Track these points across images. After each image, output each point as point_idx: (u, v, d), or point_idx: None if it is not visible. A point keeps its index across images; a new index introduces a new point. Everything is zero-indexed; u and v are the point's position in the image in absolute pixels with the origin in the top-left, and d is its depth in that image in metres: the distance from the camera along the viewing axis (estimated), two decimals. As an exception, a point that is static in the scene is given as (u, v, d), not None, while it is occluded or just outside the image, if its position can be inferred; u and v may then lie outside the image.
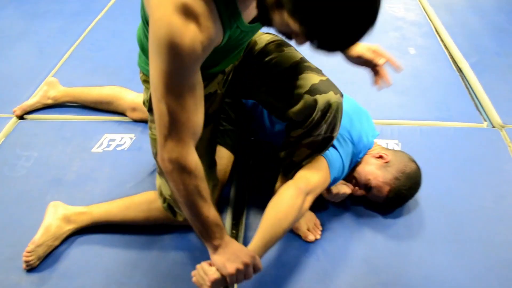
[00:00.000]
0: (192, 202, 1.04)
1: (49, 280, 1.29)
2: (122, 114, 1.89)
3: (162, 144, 0.99)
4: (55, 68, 2.21)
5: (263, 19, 0.93)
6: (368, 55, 1.30)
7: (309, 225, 1.40)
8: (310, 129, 1.25)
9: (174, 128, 0.96)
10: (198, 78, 0.97)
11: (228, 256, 1.08)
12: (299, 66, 1.27)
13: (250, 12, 0.99)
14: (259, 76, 1.31)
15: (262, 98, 1.35)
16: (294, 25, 0.84)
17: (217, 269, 1.08)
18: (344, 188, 1.43)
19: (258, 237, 1.16)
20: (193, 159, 1.01)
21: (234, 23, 0.98)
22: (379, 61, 1.31)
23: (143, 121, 1.84)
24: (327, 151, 1.35)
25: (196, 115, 0.99)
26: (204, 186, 1.04)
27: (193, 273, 1.11)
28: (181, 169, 1.00)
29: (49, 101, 1.94)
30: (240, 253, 1.08)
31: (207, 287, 1.07)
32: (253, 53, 1.32)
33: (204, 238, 1.09)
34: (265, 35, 1.36)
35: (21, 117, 1.91)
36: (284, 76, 1.27)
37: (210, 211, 1.06)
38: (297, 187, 1.25)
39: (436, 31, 2.55)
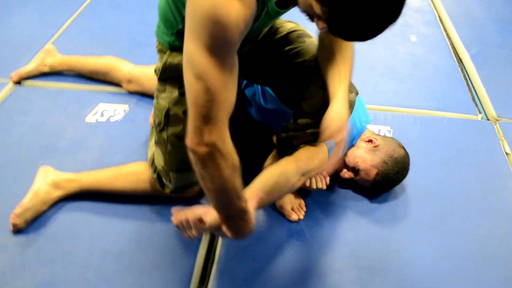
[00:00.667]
0: (224, 191, 0.95)
1: (34, 243, 1.31)
2: (117, 85, 1.90)
3: (199, 127, 0.88)
4: (54, 36, 2.21)
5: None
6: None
7: (294, 205, 1.42)
8: (319, 121, 1.22)
9: (213, 108, 0.87)
10: (236, 56, 0.92)
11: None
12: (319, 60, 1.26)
13: None
14: (277, 63, 1.31)
15: (276, 85, 1.36)
16: (316, 7, 0.83)
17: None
18: (319, 184, 1.43)
19: (257, 186, 1.13)
20: (230, 143, 0.93)
21: (265, 4, 0.97)
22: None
23: (138, 93, 1.84)
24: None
25: (233, 94, 0.92)
26: (238, 174, 0.95)
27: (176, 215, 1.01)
28: (219, 153, 0.90)
29: (46, 69, 1.94)
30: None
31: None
32: (274, 39, 1.32)
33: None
34: (288, 23, 1.36)
35: (18, 83, 1.92)
36: (302, 68, 1.27)
37: (241, 202, 0.98)
38: (298, 165, 1.25)
39: (440, 19, 2.52)
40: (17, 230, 1.33)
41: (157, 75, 1.28)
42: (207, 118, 0.87)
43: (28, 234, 1.33)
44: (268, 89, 1.50)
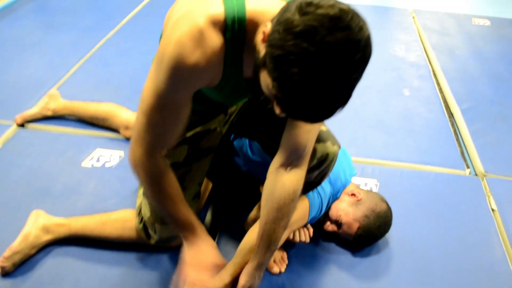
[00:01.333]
0: (158, 201, 1.13)
1: (21, 287, 1.34)
2: (116, 131, 1.97)
3: (134, 148, 1.08)
4: (60, 80, 2.31)
5: (255, 79, 0.92)
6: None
7: (276, 257, 1.44)
8: None
9: (149, 139, 1.05)
10: (187, 101, 1.03)
11: (195, 254, 1.14)
12: None
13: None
14: (264, 121, 1.36)
15: (262, 139, 1.41)
16: (271, 84, 0.82)
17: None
18: (303, 237, 1.46)
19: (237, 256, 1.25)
20: (160, 166, 1.10)
21: (232, 76, 1.03)
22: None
23: (135, 140, 1.91)
24: (309, 192, 1.40)
25: (174, 132, 1.08)
26: (171, 188, 1.12)
27: None
28: (148, 173, 1.10)
29: (49, 113, 2.03)
30: (207, 256, 1.15)
31: None
32: (260, 99, 1.37)
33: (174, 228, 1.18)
34: None
35: (21, 125, 2.01)
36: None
37: (178, 210, 1.13)
38: None
39: (434, 74, 2.59)
40: (5, 273, 1.36)
41: None
42: (142, 145, 1.06)
43: (15, 277, 1.36)
44: (255, 142, 1.55)
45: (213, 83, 1.02)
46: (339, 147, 1.34)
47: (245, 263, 1.23)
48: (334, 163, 1.34)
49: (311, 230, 1.47)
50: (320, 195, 1.44)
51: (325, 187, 1.46)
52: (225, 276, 1.22)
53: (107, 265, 1.42)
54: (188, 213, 1.15)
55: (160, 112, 1.01)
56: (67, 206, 1.61)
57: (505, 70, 2.66)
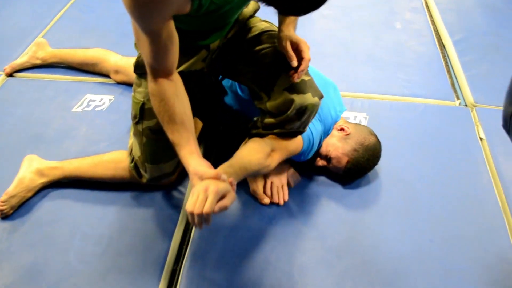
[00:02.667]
0: (164, 123, 1.13)
1: (20, 228, 1.40)
2: (106, 75, 1.96)
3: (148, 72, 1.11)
4: (46, 29, 2.27)
5: None
6: (289, 50, 1.26)
7: (274, 188, 1.48)
8: (282, 123, 1.33)
9: (149, 65, 1.09)
10: (166, 27, 1.02)
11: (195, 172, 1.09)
12: (286, 62, 1.27)
13: None
14: (247, 62, 1.36)
15: (245, 82, 1.42)
16: None
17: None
18: (280, 200, 1.49)
19: (226, 164, 1.23)
20: (165, 90, 1.11)
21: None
22: (292, 63, 1.27)
23: (125, 84, 1.91)
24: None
25: (168, 57, 1.08)
26: (175, 114, 1.11)
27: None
28: (153, 96, 1.12)
29: (38, 61, 2.01)
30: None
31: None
32: (246, 37, 1.37)
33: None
34: (262, 23, 1.41)
35: (10, 75, 2.00)
36: (270, 69, 1.32)
37: (180, 134, 1.12)
38: (266, 142, 1.33)
39: (426, 5, 2.54)
40: (4, 216, 1.41)
41: (134, 70, 1.35)
42: (148, 71, 1.10)
43: (14, 220, 1.42)
44: None
45: (185, 9, 1.01)
46: (321, 97, 1.34)
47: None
48: (315, 114, 1.36)
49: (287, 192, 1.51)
50: (310, 130, 1.45)
51: (316, 124, 1.48)
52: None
53: (103, 205, 1.46)
54: (188, 142, 1.12)
55: (147, 42, 1.04)
56: (60, 150, 1.63)
57: (500, 1, 2.60)
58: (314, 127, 1.47)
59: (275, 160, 1.35)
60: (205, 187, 1.01)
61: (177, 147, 1.12)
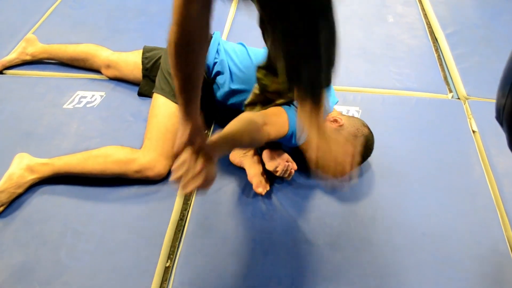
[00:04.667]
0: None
1: (10, 226, 1.38)
2: (97, 71, 1.94)
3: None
4: (36, 25, 2.25)
5: None
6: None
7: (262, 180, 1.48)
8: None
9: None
10: None
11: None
12: None
13: None
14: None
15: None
16: None
17: None
18: (286, 174, 1.47)
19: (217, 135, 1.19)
20: (172, 41, 0.97)
21: None
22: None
23: (116, 79, 1.89)
24: (287, 107, 1.42)
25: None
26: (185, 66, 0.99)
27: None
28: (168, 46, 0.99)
29: (28, 58, 1.99)
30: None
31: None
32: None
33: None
34: None
35: (0, 72, 1.97)
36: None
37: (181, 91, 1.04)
38: (256, 115, 1.34)
39: (419, -2, 2.54)
40: (-6, 213, 1.40)
41: None
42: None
43: (4, 217, 1.40)
44: (236, 72, 1.56)
45: None
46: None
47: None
48: None
49: (294, 167, 1.50)
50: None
51: None
52: None
53: (94, 202, 1.45)
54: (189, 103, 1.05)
55: None
56: (51, 147, 1.62)
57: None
58: None
59: (266, 133, 1.32)
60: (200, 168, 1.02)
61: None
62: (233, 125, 1.26)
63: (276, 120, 1.38)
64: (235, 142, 1.25)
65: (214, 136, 1.15)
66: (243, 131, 1.27)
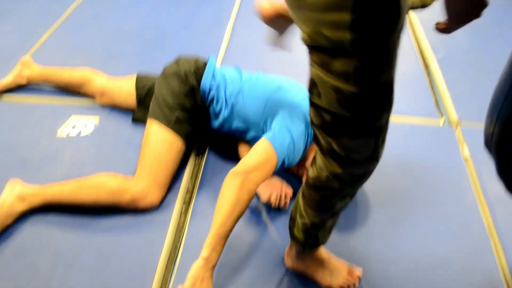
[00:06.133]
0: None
1: (1, 256, 1.37)
2: (92, 97, 1.95)
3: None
4: (32, 49, 2.27)
5: None
6: None
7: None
8: None
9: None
10: None
11: None
12: None
13: None
14: None
15: None
16: None
17: None
18: (281, 203, 1.51)
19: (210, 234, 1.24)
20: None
21: None
22: None
23: (110, 106, 1.90)
24: (270, 133, 1.40)
25: None
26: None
27: None
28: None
29: (23, 81, 2.01)
30: None
31: None
32: None
33: None
34: None
35: (-5, 97, 1.99)
36: None
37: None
38: (233, 171, 1.30)
39: (410, 24, 2.57)
40: (-16, 243, 1.39)
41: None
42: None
43: (-5, 247, 1.40)
44: (231, 101, 1.58)
45: None
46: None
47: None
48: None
49: (290, 194, 1.51)
50: (291, 133, 1.40)
51: (298, 124, 1.43)
52: None
53: (86, 232, 1.45)
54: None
55: None
56: (45, 175, 1.62)
57: (481, 18, 2.63)
58: (294, 127, 1.42)
59: (251, 181, 1.29)
60: None
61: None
62: (217, 214, 1.26)
63: (256, 160, 1.34)
64: (229, 226, 1.26)
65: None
66: (228, 211, 1.25)
